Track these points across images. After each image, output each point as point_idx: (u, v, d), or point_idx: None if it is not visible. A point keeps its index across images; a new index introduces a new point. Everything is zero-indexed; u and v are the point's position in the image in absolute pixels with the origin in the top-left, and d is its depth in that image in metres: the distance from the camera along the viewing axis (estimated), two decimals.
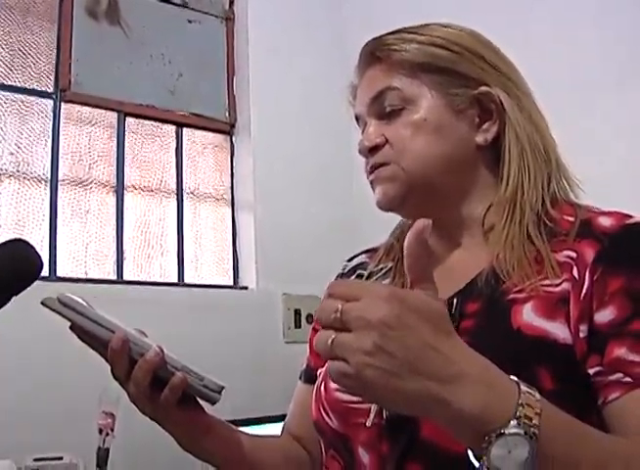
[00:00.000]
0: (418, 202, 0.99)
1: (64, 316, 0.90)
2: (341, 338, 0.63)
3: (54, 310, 0.90)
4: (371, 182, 1.03)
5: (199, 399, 0.98)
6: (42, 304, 0.89)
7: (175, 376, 0.91)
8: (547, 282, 0.87)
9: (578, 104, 2.05)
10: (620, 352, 0.80)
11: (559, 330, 0.84)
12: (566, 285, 0.86)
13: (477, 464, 0.66)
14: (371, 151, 1.01)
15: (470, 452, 0.67)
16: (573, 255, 0.88)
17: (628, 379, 0.79)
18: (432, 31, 1.01)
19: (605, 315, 0.83)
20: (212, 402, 0.95)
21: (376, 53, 1.02)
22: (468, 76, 0.99)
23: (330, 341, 0.64)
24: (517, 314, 0.86)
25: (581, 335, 0.83)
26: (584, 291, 0.84)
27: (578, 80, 2.09)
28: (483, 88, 0.99)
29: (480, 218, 0.99)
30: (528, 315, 0.86)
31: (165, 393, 0.92)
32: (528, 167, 0.97)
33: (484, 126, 1.00)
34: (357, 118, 1.08)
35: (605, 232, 0.88)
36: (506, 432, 0.63)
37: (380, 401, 0.75)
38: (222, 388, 0.94)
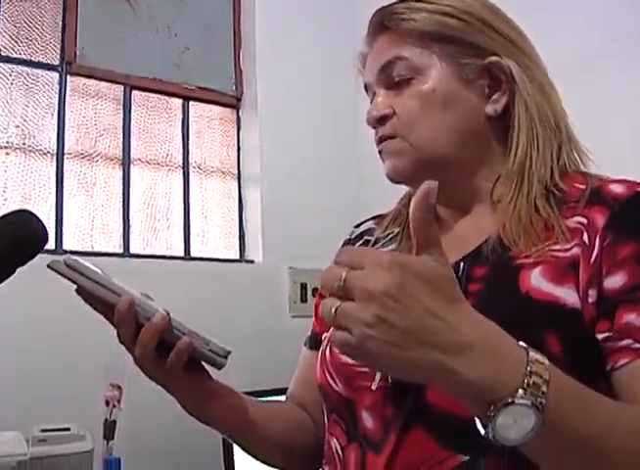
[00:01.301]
0: (427, 174, 0.97)
1: (70, 279, 0.90)
2: (344, 307, 0.63)
3: (60, 274, 0.89)
4: (380, 152, 1.03)
5: (205, 365, 0.98)
6: (49, 267, 0.89)
7: (181, 340, 0.92)
8: (556, 247, 0.87)
9: (586, 75, 2.03)
10: (630, 317, 0.80)
11: (568, 295, 0.83)
12: (576, 250, 0.86)
13: (482, 431, 0.66)
14: (379, 121, 1.01)
15: (477, 420, 0.67)
16: (584, 221, 0.88)
17: (638, 345, 0.79)
18: (441, 0, 1.00)
19: (615, 281, 0.82)
20: (219, 367, 0.95)
21: (385, 22, 1.01)
22: (477, 46, 0.98)
23: (334, 309, 0.64)
24: (525, 279, 0.86)
25: (590, 300, 0.82)
26: (594, 256, 0.84)
27: (586, 50, 2.06)
28: (493, 58, 0.98)
29: (488, 190, 0.99)
30: (537, 280, 0.85)
31: (172, 357, 0.92)
32: (537, 139, 0.96)
33: (494, 97, 0.99)
34: (366, 88, 1.07)
35: (616, 198, 0.88)
36: (513, 401, 0.63)
37: (384, 370, 0.76)
38: (228, 352, 0.94)
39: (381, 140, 1.01)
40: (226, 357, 0.94)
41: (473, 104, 0.98)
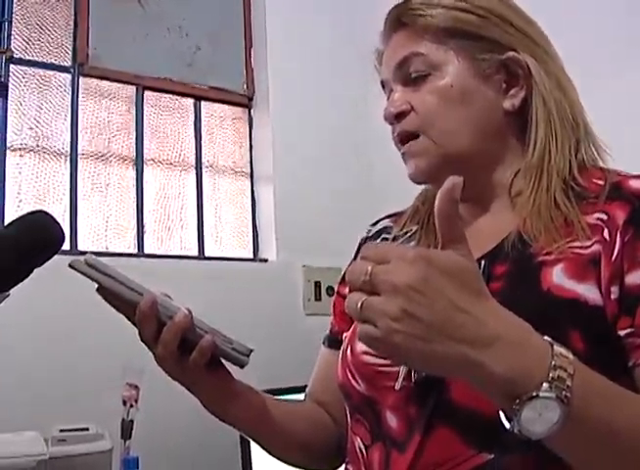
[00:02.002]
0: (449, 171, 0.97)
1: (91, 278, 0.90)
2: (369, 301, 0.64)
3: (82, 273, 0.90)
4: (402, 154, 1.02)
5: (226, 364, 0.98)
6: (70, 266, 0.89)
7: (204, 338, 0.92)
8: (577, 244, 0.87)
9: (606, 70, 2.02)
10: None
11: (590, 292, 0.83)
12: (596, 247, 0.85)
13: (507, 425, 0.66)
14: (396, 117, 1.01)
15: (502, 413, 0.67)
16: (604, 217, 0.87)
17: None
18: None
19: (637, 277, 0.82)
20: (241, 365, 0.95)
21: (401, 18, 1.01)
22: (494, 41, 0.98)
23: (360, 304, 0.64)
24: (547, 276, 0.86)
25: (612, 296, 0.82)
26: (615, 252, 0.84)
27: (606, 44, 2.05)
28: (511, 53, 0.97)
29: (506, 185, 0.99)
30: (559, 277, 0.85)
31: (194, 355, 0.92)
32: (556, 133, 0.96)
33: (512, 92, 0.99)
34: (383, 85, 1.07)
35: (636, 194, 0.87)
36: (538, 394, 0.63)
37: (410, 364, 0.76)
38: (251, 351, 0.95)
39: (402, 139, 1.01)
40: (249, 356, 0.95)
41: (490, 99, 0.98)
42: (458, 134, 0.97)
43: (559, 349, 0.66)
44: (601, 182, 0.92)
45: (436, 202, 0.68)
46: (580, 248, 0.86)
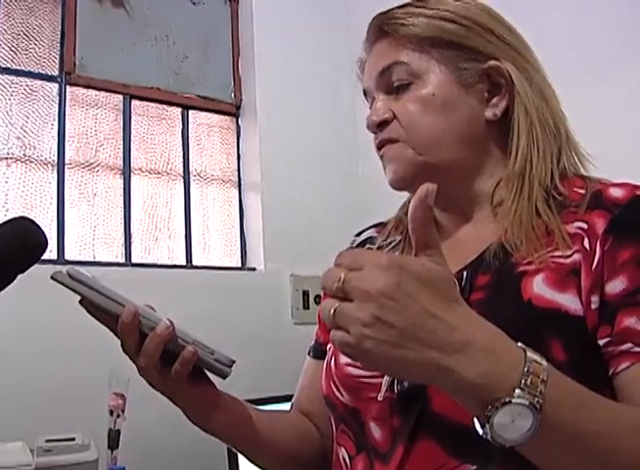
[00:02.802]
0: (428, 179, 0.97)
1: (73, 290, 0.90)
2: (342, 308, 0.64)
3: (64, 284, 0.89)
4: (381, 157, 1.03)
5: (209, 374, 0.98)
6: (52, 278, 0.89)
7: (186, 349, 0.91)
8: (558, 254, 0.87)
9: (588, 79, 2.04)
10: (630, 321, 0.80)
11: (570, 301, 0.83)
12: (577, 256, 0.86)
13: (480, 431, 0.66)
14: (379, 126, 1.01)
15: (475, 420, 0.67)
16: (584, 226, 0.88)
17: (638, 349, 0.79)
18: (440, 5, 1.00)
19: (615, 286, 0.82)
20: (223, 376, 0.95)
21: (383, 27, 1.01)
22: (477, 50, 0.98)
23: (332, 310, 0.65)
24: (527, 286, 0.86)
25: (593, 306, 0.82)
26: (595, 262, 0.84)
27: (589, 54, 2.06)
28: (493, 62, 0.98)
29: (489, 193, 0.99)
30: (539, 287, 0.85)
31: (176, 366, 0.92)
32: (537, 142, 0.96)
33: (494, 101, 0.99)
34: (365, 93, 1.07)
35: (616, 203, 0.88)
36: (510, 401, 0.63)
37: (382, 370, 0.76)
38: (233, 362, 0.94)
39: (381, 145, 1.01)
40: (231, 367, 0.94)
41: (472, 108, 0.98)
42: (439, 143, 0.97)
43: (532, 355, 0.66)
44: (582, 191, 0.93)
45: (410, 208, 0.69)
46: (561, 257, 0.87)
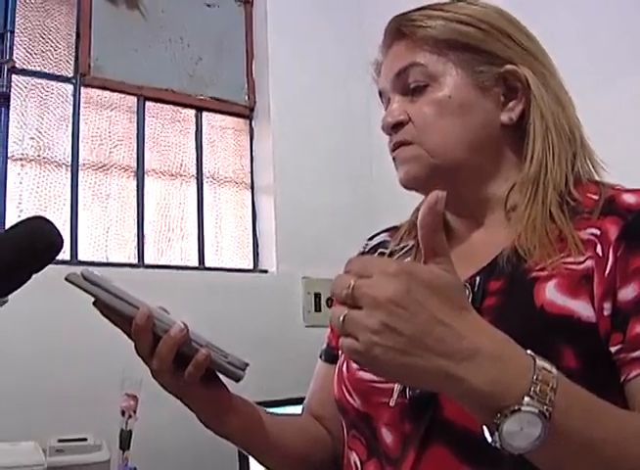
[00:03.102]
0: (441, 181, 0.97)
1: (87, 292, 0.90)
2: (351, 315, 0.64)
3: (78, 286, 0.89)
4: (393, 159, 1.02)
5: (222, 377, 0.98)
6: (66, 279, 0.89)
7: (200, 352, 0.91)
8: (570, 260, 0.86)
9: (601, 85, 2.03)
10: (633, 327, 0.79)
11: (582, 308, 0.83)
12: (589, 262, 0.85)
13: (490, 439, 0.66)
14: (394, 127, 1.00)
15: (485, 428, 0.67)
16: (597, 232, 0.87)
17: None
18: (458, 8, 1.00)
19: (628, 293, 0.81)
20: (236, 379, 0.94)
21: (401, 29, 1.01)
22: (494, 54, 0.98)
23: (342, 317, 0.65)
24: (540, 292, 0.85)
25: (605, 313, 0.82)
26: (608, 268, 0.83)
27: (601, 60, 2.05)
28: (509, 66, 0.97)
29: (503, 198, 0.99)
30: (552, 293, 0.85)
31: (189, 369, 0.92)
32: (553, 147, 0.96)
33: (510, 105, 0.98)
34: (381, 94, 1.07)
35: (629, 209, 0.87)
36: (520, 408, 0.63)
37: (390, 377, 0.76)
38: (246, 365, 0.94)
39: (395, 147, 1.01)
40: (244, 370, 0.94)
41: (488, 111, 0.98)
42: (454, 146, 0.97)
43: (541, 363, 0.66)
44: (595, 197, 0.92)
45: (420, 215, 0.68)
46: (573, 264, 0.86)
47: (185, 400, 0.97)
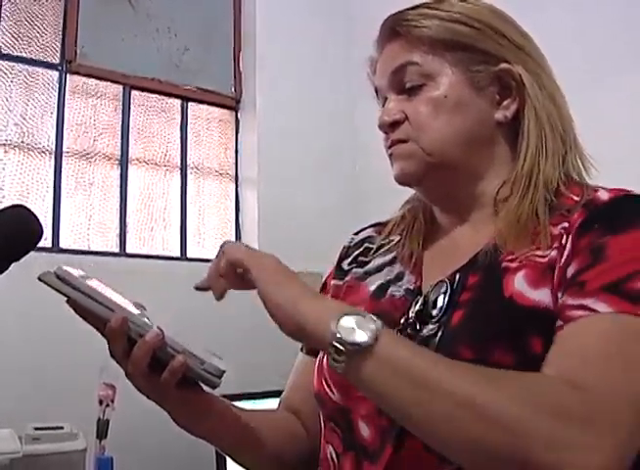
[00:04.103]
0: (435, 179, 0.99)
1: (61, 292, 0.88)
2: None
3: (51, 286, 0.87)
4: (389, 156, 1.03)
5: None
6: (39, 279, 0.87)
7: (175, 359, 0.90)
8: (539, 253, 0.88)
9: (589, 85, 2.04)
10: (568, 300, 0.81)
11: (546, 297, 0.84)
12: (554, 253, 0.87)
13: (329, 336, 0.76)
14: (390, 126, 1.01)
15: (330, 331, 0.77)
16: (566, 225, 0.89)
17: (561, 322, 0.81)
18: (452, 7, 1.00)
19: (569, 271, 0.84)
20: (212, 387, 0.94)
21: (396, 28, 1.01)
22: (489, 53, 0.98)
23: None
24: (509, 283, 0.87)
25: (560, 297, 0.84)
26: (565, 256, 0.85)
27: (591, 61, 2.06)
28: (504, 65, 0.98)
29: (491, 195, 0.99)
30: (520, 284, 0.86)
31: (165, 375, 0.91)
32: (546, 145, 0.96)
33: (504, 103, 0.99)
34: (376, 91, 1.08)
35: (596, 203, 0.89)
36: (357, 314, 0.77)
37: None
38: (223, 372, 0.93)
39: (391, 144, 1.01)
40: (220, 377, 0.93)
41: (483, 110, 0.98)
42: (448, 144, 0.97)
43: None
44: (577, 198, 0.93)
45: None
46: (542, 256, 0.88)
47: (159, 403, 0.97)
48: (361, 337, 0.75)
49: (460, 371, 0.75)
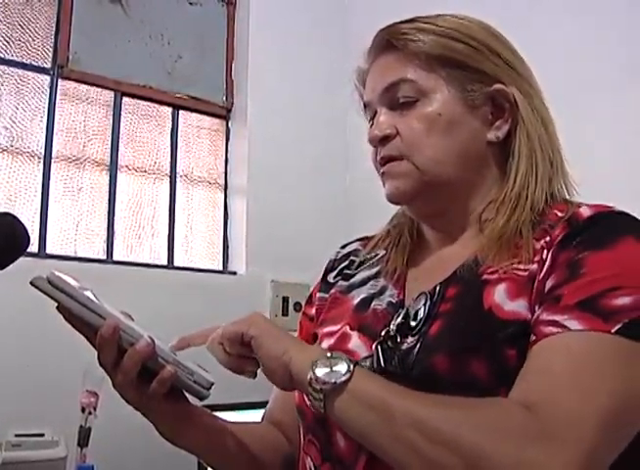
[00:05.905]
0: (427, 197, 0.99)
1: (52, 298, 0.87)
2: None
3: (42, 291, 0.87)
4: (382, 174, 1.02)
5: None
6: (31, 283, 0.87)
7: (165, 369, 0.90)
8: (521, 266, 0.89)
9: (569, 105, 2.04)
10: (538, 313, 0.82)
11: (524, 311, 0.85)
12: (534, 267, 0.87)
13: (308, 377, 0.83)
14: (381, 141, 1.00)
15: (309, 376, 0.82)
16: (548, 239, 0.89)
17: (534, 337, 0.81)
18: (448, 23, 1.00)
19: (547, 284, 0.84)
20: (201, 398, 0.93)
21: (391, 41, 1.00)
22: (483, 72, 0.98)
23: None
24: (489, 295, 0.88)
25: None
26: (544, 270, 0.86)
27: (570, 81, 2.07)
28: (499, 86, 0.98)
29: (479, 214, 1.00)
30: (500, 297, 0.87)
31: (153, 385, 0.91)
32: (536, 167, 0.97)
33: (497, 123, 0.99)
34: (365, 105, 1.07)
35: (578, 218, 0.89)
36: (330, 356, 0.83)
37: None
38: (212, 384, 0.93)
39: (384, 161, 1.01)
40: (209, 389, 0.93)
41: (476, 129, 0.99)
42: (442, 162, 0.97)
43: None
44: (561, 214, 0.93)
45: None
46: (523, 270, 0.88)
47: (145, 413, 0.96)
48: (334, 377, 0.81)
49: (422, 400, 0.79)
